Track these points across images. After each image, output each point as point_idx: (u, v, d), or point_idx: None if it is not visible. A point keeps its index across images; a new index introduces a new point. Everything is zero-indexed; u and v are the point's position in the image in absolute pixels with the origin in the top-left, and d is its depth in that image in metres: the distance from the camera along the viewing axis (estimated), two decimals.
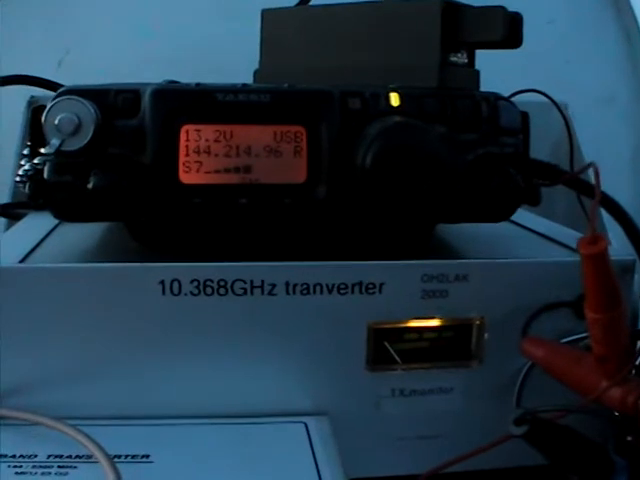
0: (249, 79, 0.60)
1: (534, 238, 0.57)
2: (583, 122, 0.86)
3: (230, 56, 0.77)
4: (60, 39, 0.89)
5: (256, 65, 0.60)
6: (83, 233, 0.52)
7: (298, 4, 0.63)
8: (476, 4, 0.50)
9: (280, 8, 0.59)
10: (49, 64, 0.87)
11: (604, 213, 0.58)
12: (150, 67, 0.83)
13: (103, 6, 0.89)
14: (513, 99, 0.51)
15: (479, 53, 0.54)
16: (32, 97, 0.77)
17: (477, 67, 0.54)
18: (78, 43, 0.89)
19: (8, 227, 0.69)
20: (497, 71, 0.64)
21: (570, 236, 0.54)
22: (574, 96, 0.87)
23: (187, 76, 0.58)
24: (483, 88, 0.53)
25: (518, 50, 0.50)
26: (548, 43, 0.92)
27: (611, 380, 0.42)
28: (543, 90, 0.80)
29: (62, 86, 0.63)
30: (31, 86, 0.72)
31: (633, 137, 0.98)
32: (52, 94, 0.46)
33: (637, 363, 0.46)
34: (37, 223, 0.55)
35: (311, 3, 0.63)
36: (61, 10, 0.89)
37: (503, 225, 0.50)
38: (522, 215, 0.55)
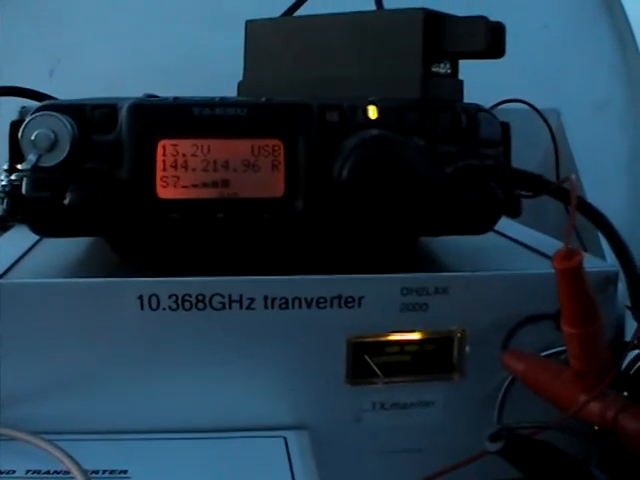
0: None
1: (518, 249, 0.56)
2: (577, 128, 0.86)
3: (223, 66, 0.77)
4: (52, 48, 0.89)
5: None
6: (65, 247, 0.52)
7: (282, 15, 0.63)
8: (473, 12, 0.50)
9: (264, 19, 0.59)
10: (41, 73, 0.87)
11: None
12: (141, 76, 0.84)
13: (94, 15, 0.89)
14: (500, 107, 0.51)
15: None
16: (23, 108, 0.76)
17: (470, 72, 0.54)
18: (70, 52, 0.89)
19: None
20: (490, 76, 0.64)
21: (555, 247, 0.53)
22: (568, 101, 0.87)
23: (177, 85, 0.58)
24: (477, 93, 0.53)
25: (512, 55, 0.50)
26: (542, 48, 0.92)
27: (590, 395, 0.41)
28: (536, 95, 0.80)
29: (50, 97, 0.64)
30: (21, 97, 0.72)
31: (628, 142, 0.98)
32: None
33: (621, 371, 0.46)
34: (20, 237, 0.55)
35: (295, 14, 0.63)
36: (52, 20, 0.89)
37: (487, 236, 0.50)
38: (507, 225, 0.55)
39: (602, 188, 0.67)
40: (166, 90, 0.55)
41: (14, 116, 0.77)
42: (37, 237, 0.54)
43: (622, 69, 0.97)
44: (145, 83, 0.66)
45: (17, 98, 0.72)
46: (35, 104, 0.70)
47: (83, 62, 0.88)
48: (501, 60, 0.51)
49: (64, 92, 0.60)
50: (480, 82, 0.55)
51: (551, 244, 0.56)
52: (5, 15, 0.87)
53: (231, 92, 0.59)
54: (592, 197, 0.52)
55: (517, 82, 0.83)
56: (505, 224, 0.50)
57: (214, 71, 0.81)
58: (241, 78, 0.60)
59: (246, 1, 0.82)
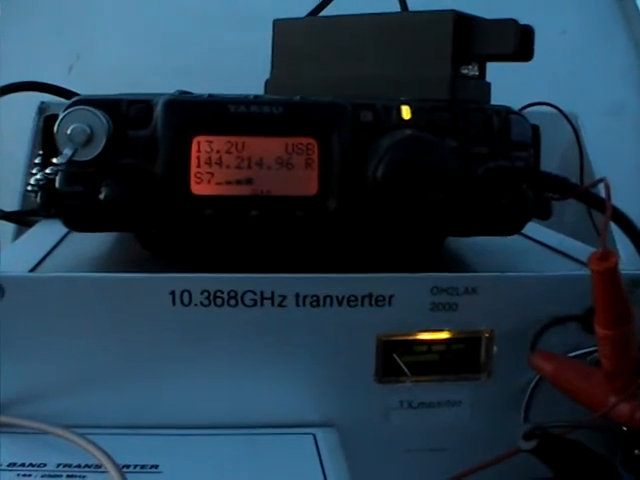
0: (260, 88, 0.60)
1: (544, 251, 0.57)
2: (592, 132, 0.86)
3: (241, 65, 0.77)
4: (70, 44, 0.89)
5: (267, 75, 0.60)
6: (93, 242, 0.52)
7: (309, 14, 0.63)
8: (492, 15, 0.50)
9: (291, 18, 0.59)
10: (60, 69, 0.87)
11: (612, 225, 0.57)
12: (160, 73, 0.84)
13: (113, 12, 0.90)
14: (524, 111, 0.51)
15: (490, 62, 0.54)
16: (42, 103, 0.77)
17: (488, 76, 0.54)
18: (88, 48, 0.89)
19: (19, 233, 0.69)
20: (509, 80, 0.65)
21: (580, 249, 0.54)
22: (584, 106, 0.87)
23: (197, 83, 0.58)
24: (495, 98, 0.53)
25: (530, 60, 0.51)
26: (560, 53, 0.92)
27: (620, 396, 0.42)
28: (553, 99, 0.80)
29: (72, 92, 0.64)
30: (41, 92, 0.72)
31: None
32: (62, 100, 0.46)
33: None
34: (47, 231, 0.55)
35: (322, 14, 0.63)
36: (71, 16, 0.90)
37: (514, 238, 0.51)
38: (533, 228, 0.55)
39: (615, 192, 0.67)
40: (184, 87, 0.55)
41: (30, 111, 0.78)
42: (64, 232, 0.54)
43: (637, 74, 0.98)
44: (163, 80, 0.66)
45: (32, 93, 0.72)
46: (55, 99, 0.71)
47: (102, 58, 0.89)
48: (518, 64, 0.51)
49: (82, 88, 0.60)
50: (496, 87, 0.55)
51: (576, 246, 0.57)
52: (25, 11, 0.87)
53: (250, 90, 0.59)
54: None
55: (534, 86, 0.83)
56: (530, 227, 0.51)
57: (233, 69, 0.82)
58: (262, 77, 0.60)
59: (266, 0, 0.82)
